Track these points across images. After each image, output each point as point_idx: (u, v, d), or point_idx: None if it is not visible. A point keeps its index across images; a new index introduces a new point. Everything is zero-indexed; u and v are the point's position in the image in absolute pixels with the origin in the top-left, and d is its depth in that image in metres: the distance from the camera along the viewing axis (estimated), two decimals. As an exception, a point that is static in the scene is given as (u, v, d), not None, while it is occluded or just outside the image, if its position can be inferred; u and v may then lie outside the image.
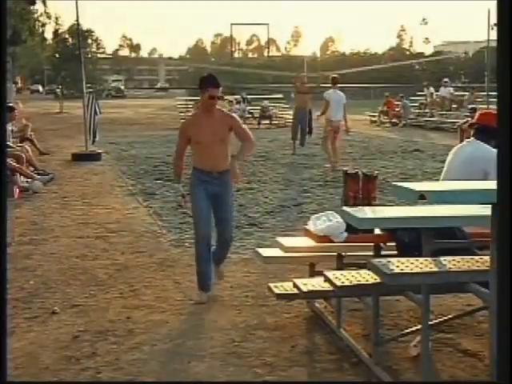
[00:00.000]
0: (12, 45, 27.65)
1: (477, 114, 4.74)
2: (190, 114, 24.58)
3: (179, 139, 4.98)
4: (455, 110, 24.16)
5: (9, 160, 9.22)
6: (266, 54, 79.36)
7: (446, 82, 27.11)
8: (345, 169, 4.61)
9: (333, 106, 12.30)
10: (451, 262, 3.28)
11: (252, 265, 5.65)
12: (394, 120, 25.03)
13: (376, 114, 26.46)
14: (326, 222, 4.22)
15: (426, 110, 25.83)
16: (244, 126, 5.00)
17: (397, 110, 25.53)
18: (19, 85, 57.51)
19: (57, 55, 56.79)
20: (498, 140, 2.02)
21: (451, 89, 26.35)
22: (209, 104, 4.79)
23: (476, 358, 3.80)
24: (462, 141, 11.21)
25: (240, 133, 4.86)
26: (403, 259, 3.33)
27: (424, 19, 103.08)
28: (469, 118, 17.12)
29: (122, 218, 7.85)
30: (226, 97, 25.77)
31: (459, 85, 27.85)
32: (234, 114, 5.13)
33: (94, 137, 13.81)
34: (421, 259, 3.33)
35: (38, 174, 10.62)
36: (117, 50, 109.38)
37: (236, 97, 25.31)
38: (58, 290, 5.10)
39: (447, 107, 24.95)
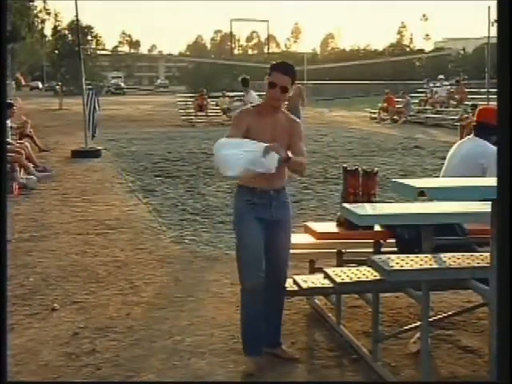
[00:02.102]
0: (11, 41, 27.63)
1: (476, 111, 4.74)
2: (189, 111, 24.71)
3: (231, 131, 3.57)
4: (455, 106, 24.14)
5: (9, 154, 9.22)
6: (265, 50, 79.41)
7: (441, 79, 27.11)
8: (344, 165, 4.61)
9: None
10: (451, 259, 3.29)
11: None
12: (395, 117, 25.02)
13: (376, 111, 26.46)
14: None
15: (427, 107, 25.81)
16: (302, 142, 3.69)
17: (398, 106, 25.51)
18: (22, 82, 57.42)
19: (56, 52, 56.80)
20: (497, 136, 2.01)
21: (448, 85, 26.33)
22: (269, 97, 3.60)
23: (476, 355, 3.81)
24: (462, 137, 11.19)
25: (297, 146, 3.60)
26: (403, 256, 3.34)
27: (424, 15, 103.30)
28: (467, 115, 17.16)
29: (122, 215, 7.85)
30: (226, 93, 25.80)
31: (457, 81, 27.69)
32: (299, 121, 3.76)
33: (94, 132, 13.80)
34: (421, 256, 3.33)
35: (38, 171, 10.65)
36: (116, 46, 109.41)
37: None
38: (58, 287, 5.10)
39: (446, 104, 24.95)
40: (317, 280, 4.06)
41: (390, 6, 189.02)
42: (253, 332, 3.64)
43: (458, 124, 18.13)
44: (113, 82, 68.02)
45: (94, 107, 13.72)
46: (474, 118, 4.61)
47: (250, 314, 3.62)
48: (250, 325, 3.64)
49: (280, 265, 3.70)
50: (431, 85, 26.83)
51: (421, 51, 72.62)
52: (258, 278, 3.53)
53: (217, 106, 24.85)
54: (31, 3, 35.27)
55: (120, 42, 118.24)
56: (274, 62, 3.69)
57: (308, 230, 4.26)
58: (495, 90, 2.00)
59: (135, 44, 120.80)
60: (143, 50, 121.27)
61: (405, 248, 3.75)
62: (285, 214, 3.67)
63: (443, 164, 4.60)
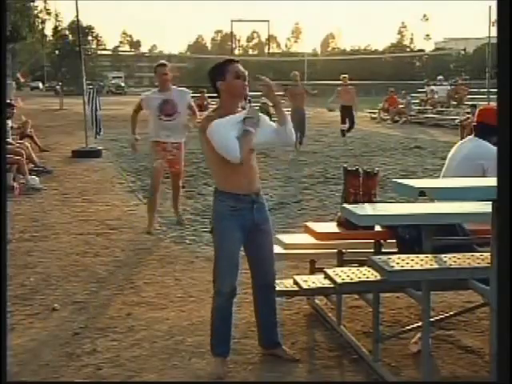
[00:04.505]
0: (11, 41, 27.65)
1: (476, 111, 4.74)
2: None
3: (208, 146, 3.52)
4: (455, 106, 24.14)
5: (10, 156, 9.23)
6: (266, 50, 79.40)
7: (440, 79, 27.13)
8: (345, 165, 4.61)
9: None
10: (452, 259, 3.29)
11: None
12: (395, 117, 25.01)
13: (377, 111, 26.45)
14: None
15: (427, 107, 25.81)
16: None
17: (400, 106, 25.50)
18: (21, 80, 57.44)
19: (57, 52, 56.86)
20: (497, 136, 2.01)
21: (448, 86, 26.34)
22: (239, 89, 3.57)
23: (476, 355, 3.81)
24: (462, 137, 11.18)
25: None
26: (403, 256, 3.34)
27: (425, 16, 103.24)
28: (469, 115, 17.15)
29: (123, 215, 7.86)
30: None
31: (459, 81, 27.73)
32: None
33: (99, 130, 13.79)
34: (421, 256, 3.33)
35: (38, 171, 10.67)
36: (117, 46, 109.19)
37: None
38: (59, 287, 5.10)
39: (447, 104, 24.96)
40: (317, 280, 4.06)
41: (390, 5, 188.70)
42: (223, 334, 3.68)
43: (459, 124, 18.14)
44: (113, 82, 67.99)
45: (96, 107, 13.72)
46: (475, 119, 4.61)
47: (222, 317, 3.66)
48: (220, 327, 3.67)
49: (267, 266, 3.74)
50: (432, 87, 26.80)
51: (421, 51, 72.63)
52: (234, 284, 3.61)
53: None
54: (32, 3, 35.29)
55: (121, 42, 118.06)
56: (220, 62, 3.62)
57: (308, 230, 4.26)
58: (495, 90, 2.00)
59: (136, 44, 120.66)
60: (144, 49, 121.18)
61: (405, 248, 3.75)
62: (265, 216, 3.70)
63: (444, 164, 4.60)
